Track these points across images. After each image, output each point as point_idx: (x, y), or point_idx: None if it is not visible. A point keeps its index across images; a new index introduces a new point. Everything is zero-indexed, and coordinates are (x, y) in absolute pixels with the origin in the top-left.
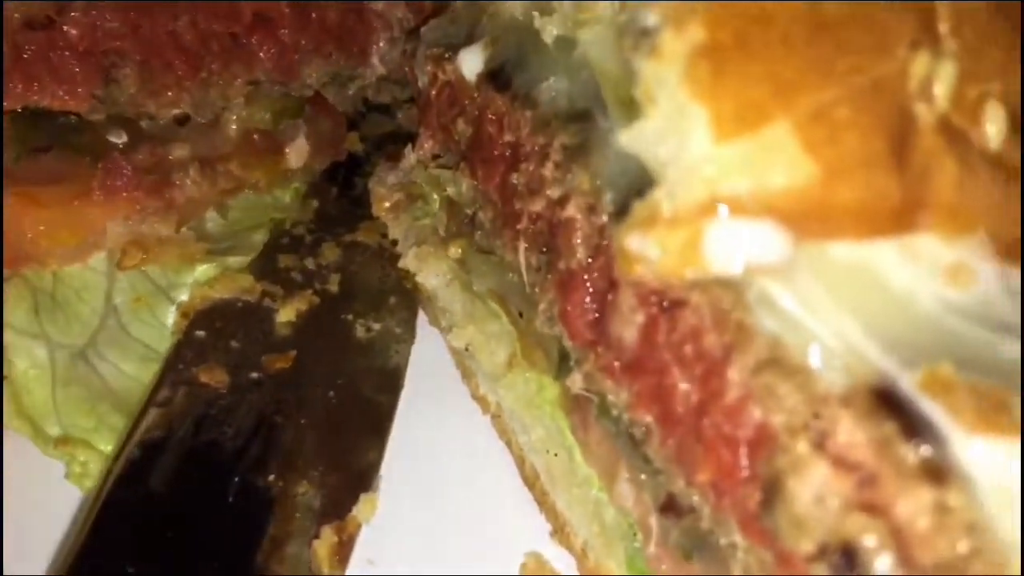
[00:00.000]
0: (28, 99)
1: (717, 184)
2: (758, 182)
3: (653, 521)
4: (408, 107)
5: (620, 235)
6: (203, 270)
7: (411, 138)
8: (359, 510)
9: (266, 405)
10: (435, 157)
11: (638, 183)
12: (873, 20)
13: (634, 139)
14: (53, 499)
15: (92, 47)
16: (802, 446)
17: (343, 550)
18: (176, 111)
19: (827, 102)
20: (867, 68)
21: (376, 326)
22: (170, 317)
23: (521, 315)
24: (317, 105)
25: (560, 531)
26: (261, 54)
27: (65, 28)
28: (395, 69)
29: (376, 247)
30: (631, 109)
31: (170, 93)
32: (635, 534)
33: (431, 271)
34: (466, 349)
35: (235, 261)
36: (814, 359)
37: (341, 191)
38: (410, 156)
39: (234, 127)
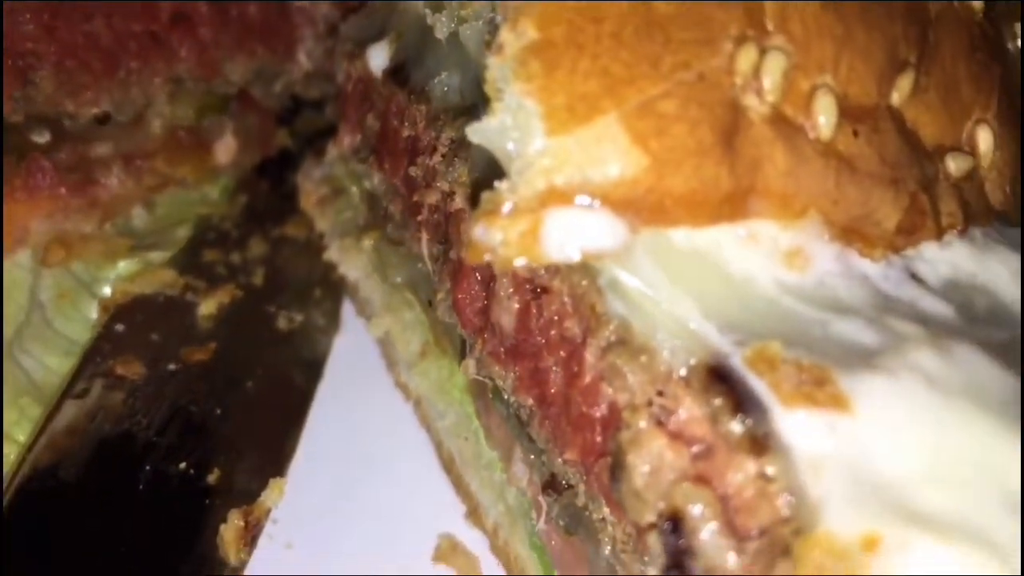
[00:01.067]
0: None
1: (553, 175)
2: (592, 173)
3: (542, 499)
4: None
5: (468, 225)
6: (125, 265)
7: None
8: (267, 495)
9: (181, 396)
10: (356, 151)
11: (497, 176)
12: (701, 16)
13: (482, 133)
14: None
15: (8, 49)
16: (642, 422)
17: (248, 534)
18: (96, 110)
19: (654, 96)
20: (693, 63)
21: (299, 317)
22: (93, 312)
23: (430, 303)
24: (243, 102)
25: (474, 512)
26: (181, 52)
27: None
28: (322, 65)
29: (304, 241)
30: None
31: (89, 93)
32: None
33: (352, 263)
34: (384, 337)
35: (158, 256)
36: (659, 340)
37: (272, 186)
38: (331, 151)
39: (158, 124)
